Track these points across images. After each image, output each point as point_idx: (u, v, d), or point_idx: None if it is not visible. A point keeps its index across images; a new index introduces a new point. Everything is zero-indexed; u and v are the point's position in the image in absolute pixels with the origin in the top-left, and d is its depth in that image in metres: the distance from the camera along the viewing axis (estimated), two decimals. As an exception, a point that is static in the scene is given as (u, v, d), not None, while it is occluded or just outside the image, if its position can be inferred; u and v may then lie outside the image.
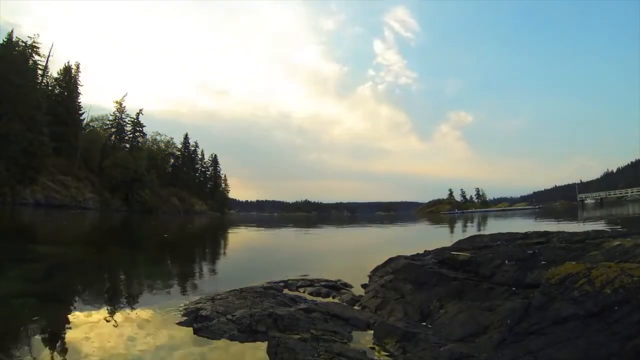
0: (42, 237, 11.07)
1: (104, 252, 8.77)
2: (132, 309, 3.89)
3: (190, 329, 3.14)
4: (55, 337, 3.01)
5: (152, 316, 3.62)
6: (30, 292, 4.13)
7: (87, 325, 3.29)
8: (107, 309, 3.86)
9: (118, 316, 3.62)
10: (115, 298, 4.48)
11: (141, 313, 3.71)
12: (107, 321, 3.45)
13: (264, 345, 2.71)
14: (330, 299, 4.52)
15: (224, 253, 11.80)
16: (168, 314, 3.63)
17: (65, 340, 2.95)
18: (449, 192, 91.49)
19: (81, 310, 3.77)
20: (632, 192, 47.28)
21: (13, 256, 6.27)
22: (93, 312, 3.68)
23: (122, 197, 41.37)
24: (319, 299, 4.46)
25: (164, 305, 3.97)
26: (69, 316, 3.57)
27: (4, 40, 32.11)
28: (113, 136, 48.02)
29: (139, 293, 4.87)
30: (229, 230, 22.60)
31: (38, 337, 2.96)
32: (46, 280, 4.94)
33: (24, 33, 67.06)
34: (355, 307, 4.07)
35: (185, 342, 2.92)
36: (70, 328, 3.22)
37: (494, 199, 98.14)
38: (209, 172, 69.81)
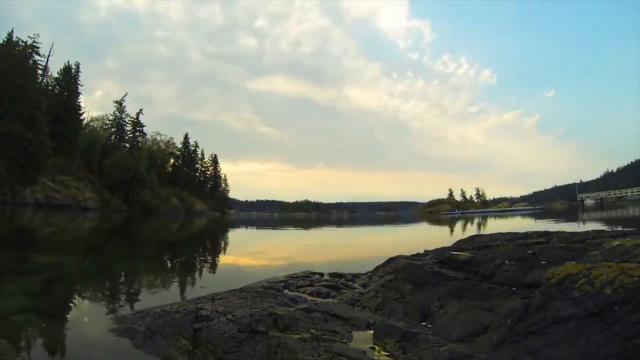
0: (41, 242, 10.99)
1: (104, 257, 8.73)
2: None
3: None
4: (57, 354, 3.01)
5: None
6: (31, 307, 4.05)
7: (88, 338, 3.30)
8: (107, 319, 3.83)
9: (119, 326, 3.60)
10: (115, 307, 4.42)
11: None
12: (108, 332, 3.43)
13: None
14: (330, 299, 4.51)
15: (224, 253, 11.80)
16: (168, 314, 3.62)
17: (67, 357, 2.96)
18: (449, 192, 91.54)
19: (82, 324, 3.75)
20: (632, 192, 47.28)
21: (12, 267, 6.16)
22: (94, 325, 3.66)
23: (122, 197, 41.37)
24: (319, 299, 4.46)
25: (163, 307, 3.96)
26: (71, 331, 3.54)
27: (4, 40, 32.15)
28: (113, 136, 48.01)
29: (140, 299, 4.85)
30: (229, 231, 22.62)
31: (41, 355, 2.96)
32: (46, 294, 4.85)
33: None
34: (355, 307, 4.07)
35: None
36: (71, 343, 3.21)
37: (493, 198, 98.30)
38: (209, 172, 69.86)
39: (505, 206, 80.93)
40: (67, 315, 4.07)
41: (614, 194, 51.24)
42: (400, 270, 4.35)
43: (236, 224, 31.89)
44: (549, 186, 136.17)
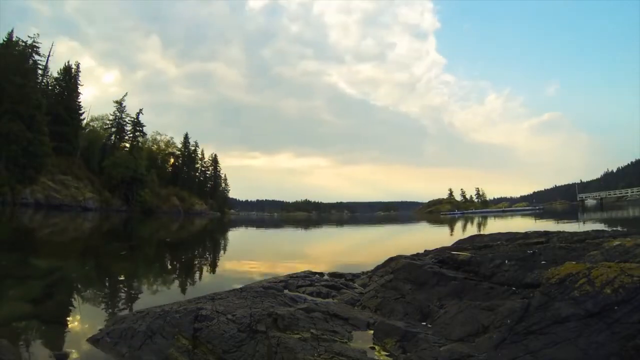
0: (42, 244, 10.96)
1: (104, 259, 8.70)
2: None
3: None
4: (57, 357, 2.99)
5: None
6: (32, 313, 4.03)
7: (88, 340, 3.29)
8: (108, 320, 3.81)
9: (119, 326, 3.59)
10: (116, 309, 4.41)
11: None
12: (108, 333, 3.43)
13: None
14: (330, 299, 4.51)
15: (224, 253, 11.81)
16: (168, 314, 3.62)
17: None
18: (449, 192, 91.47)
19: (83, 328, 3.74)
20: (632, 192, 47.27)
21: (12, 272, 6.13)
22: (94, 327, 3.64)
23: (122, 197, 41.40)
24: (319, 299, 4.46)
25: (163, 307, 3.96)
26: (71, 335, 3.54)
27: (4, 40, 32.16)
28: (113, 136, 47.97)
29: (140, 299, 4.85)
30: (229, 231, 22.60)
31: (41, 358, 2.94)
32: (47, 299, 4.83)
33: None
34: (355, 307, 4.07)
35: None
36: (72, 347, 3.21)
37: (494, 198, 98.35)
38: (209, 172, 69.86)
39: (505, 206, 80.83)
40: (68, 320, 4.06)
41: (614, 194, 51.23)
42: (400, 270, 4.35)
43: (236, 224, 31.89)
44: (549, 186, 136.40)
